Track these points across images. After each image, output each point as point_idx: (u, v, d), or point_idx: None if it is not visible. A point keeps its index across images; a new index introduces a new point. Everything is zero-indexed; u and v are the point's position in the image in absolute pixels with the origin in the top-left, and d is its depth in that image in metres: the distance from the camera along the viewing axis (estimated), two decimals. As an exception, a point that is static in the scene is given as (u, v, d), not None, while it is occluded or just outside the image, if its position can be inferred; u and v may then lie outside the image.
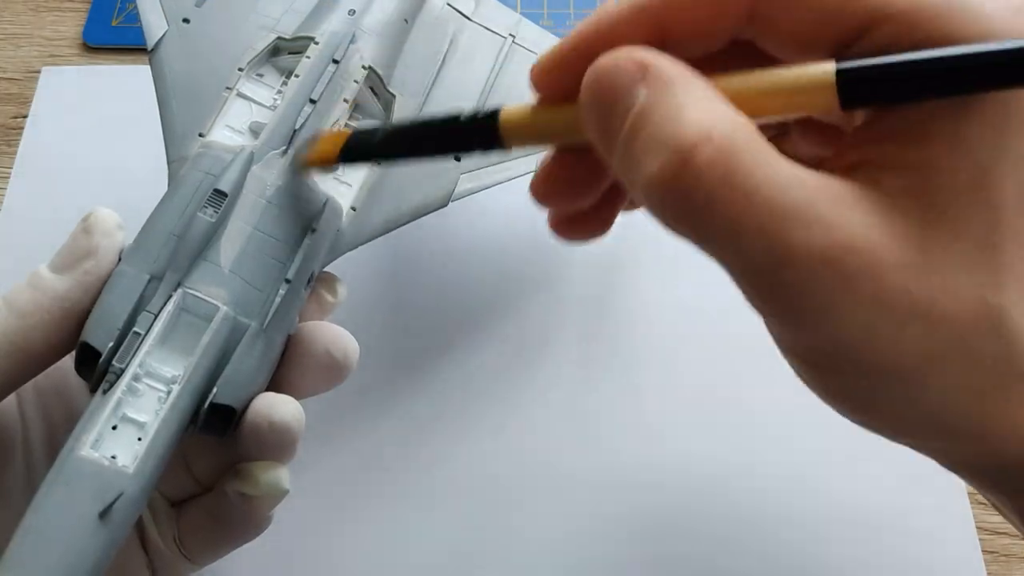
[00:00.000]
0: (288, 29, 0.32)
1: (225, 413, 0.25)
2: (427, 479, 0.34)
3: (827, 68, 0.18)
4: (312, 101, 0.30)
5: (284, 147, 0.29)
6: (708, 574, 0.33)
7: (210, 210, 0.26)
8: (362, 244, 0.30)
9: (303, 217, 0.28)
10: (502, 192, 0.33)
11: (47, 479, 0.23)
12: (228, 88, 0.30)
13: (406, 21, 0.34)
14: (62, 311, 0.25)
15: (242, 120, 0.30)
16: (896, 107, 0.18)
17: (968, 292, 0.17)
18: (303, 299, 0.28)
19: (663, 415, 0.35)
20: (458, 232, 0.39)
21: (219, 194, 0.27)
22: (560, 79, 0.20)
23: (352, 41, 0.31)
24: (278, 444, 0.25)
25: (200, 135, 0.29)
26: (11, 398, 0.27)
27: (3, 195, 0.40)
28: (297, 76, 0.30)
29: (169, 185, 0.28)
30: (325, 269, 0.30)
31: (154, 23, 0.32)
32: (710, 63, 0.19)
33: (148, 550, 0.27)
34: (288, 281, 0.27)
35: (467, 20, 0.35)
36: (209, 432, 0.25)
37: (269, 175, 0.28)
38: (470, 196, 0.32)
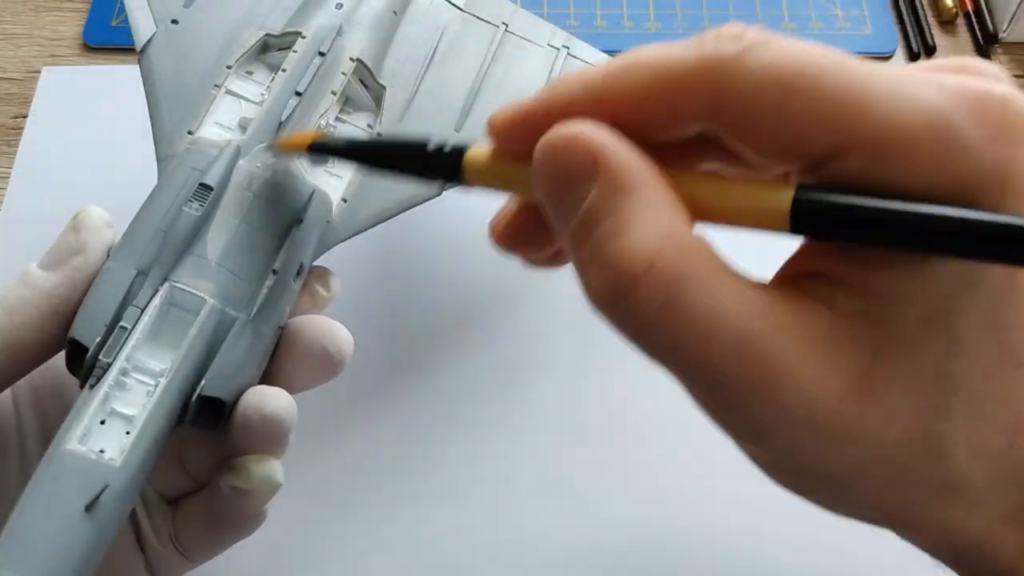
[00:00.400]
0: (277, 26, 0.32)
1: (215, 406, 0.25)
2: (423, 478, 0.34)
3: (784, 197, 0.17)
4: (298, 93, 0.30)
5: (271, 140, 0.29)
6: (708, 573, 0.33)
7: (196, 204, 0.26)
8: (354, 235, 0.30)
9: (290, 209, 0.28)
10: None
11: (35, 474, 0.23)
12: (217, 86, 0.30)
13: (395, 13, 0.34)
14: (51, 308, 0.25)
15: (231, 117, 0.30)
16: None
17: (906, 419, 0.17)
18: (293, 291, 0.28)
19: (663, 416, 0.35)
20: (455, 228, 0.39)
21: (205, 188, 0.27)
22: (516, 138, 0.19)
23: (339, 34, 0.31)
24: (270, 437, 0.25)
25: (189, 132, 0.29)
26: (6, 395, 0.27)
27: (3, 195, 0.40)
28: (284, 70, 0.30)
29: (158, 183, 0.28)
30: (319, 263, 0.30)
31: (143, 25, 0.32)
32: (681, 153, 0.18)
33: (144, 549, 0.27)
34: (275, 272, 0.27)
35: (459, 11, 0.35)
36: (200, 426, 0.25)
37: (256, 168, 0.28)
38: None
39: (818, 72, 0.16)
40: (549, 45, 0.37)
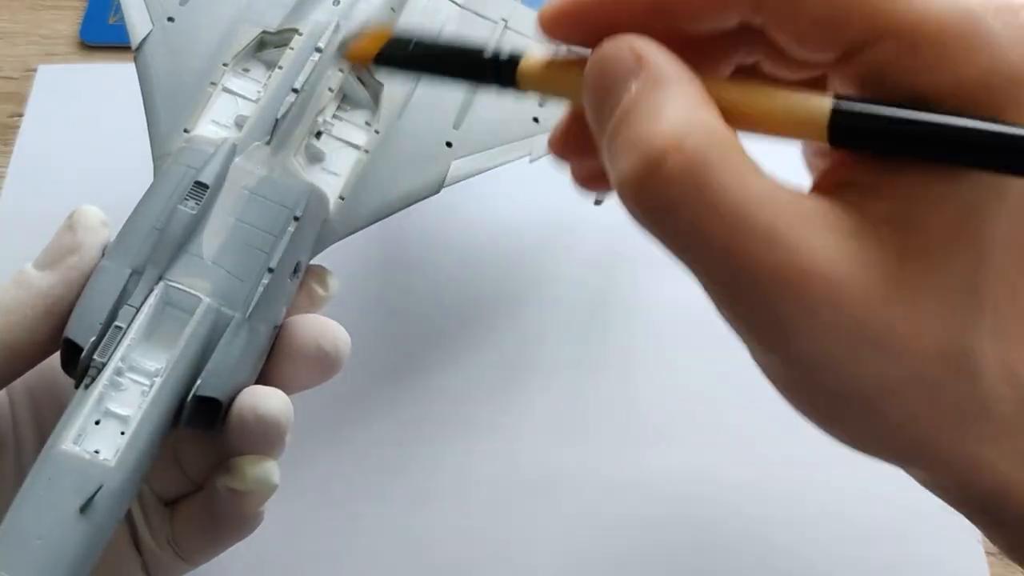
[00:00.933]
0: (273, 23, 0.32)
1: (211, 406, 0.25)
2: (421, 478, 0.34)
3: (823, 105, 0.17)
4: (295, 91, 0.29)
5: (267, 137, 0.29)
6: (721, 569, 0.33)
7: (191, 202, 0.26)
8: (352, 233, 0.30)
9: (286, 207, 0.28)
10: (499, 187, 0.33)
11: (30, 475, 0.23)
12: (213, 83, 0.30)
13: (393, 10, 0.33)
14: (45, 307, 0.25)
15: (228, 115, 0.30)
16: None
17: (935, 330, 0.17)
18: (290, 290, 0.28)
19: (662, 416, 0.35)
20: (453, 227, 0.39)
21: (200, 186, 0.27)
22: (563, 26, 0.20)
23: (336, 30, 0.31)
24: (266, 437, 0.25)
25: (185, 131, 0.29)
26: (1, 396, 0.26)
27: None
28: (281, 68, 0.30)
29: (153, 181, 0.28)
30: (316, 262, 0.29)
31: (138, 23, 0.32)
32: (723, 45, 0.19)
33: (142, 551, 0.27)
34: (271, 270, 0.27)
35: (458, 7, 0.35)
36: (196, 426, 0.25)
37: (252, 165, 0.28)
38: (466, 192, 0.32)
39: None
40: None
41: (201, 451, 0.27)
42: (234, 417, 0.25)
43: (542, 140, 0.35)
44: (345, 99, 0.32)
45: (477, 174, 0.32)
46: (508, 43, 0.34)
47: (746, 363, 0.37)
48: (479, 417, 0.35)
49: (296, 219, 0.28)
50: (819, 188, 0.18)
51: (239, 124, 0.29)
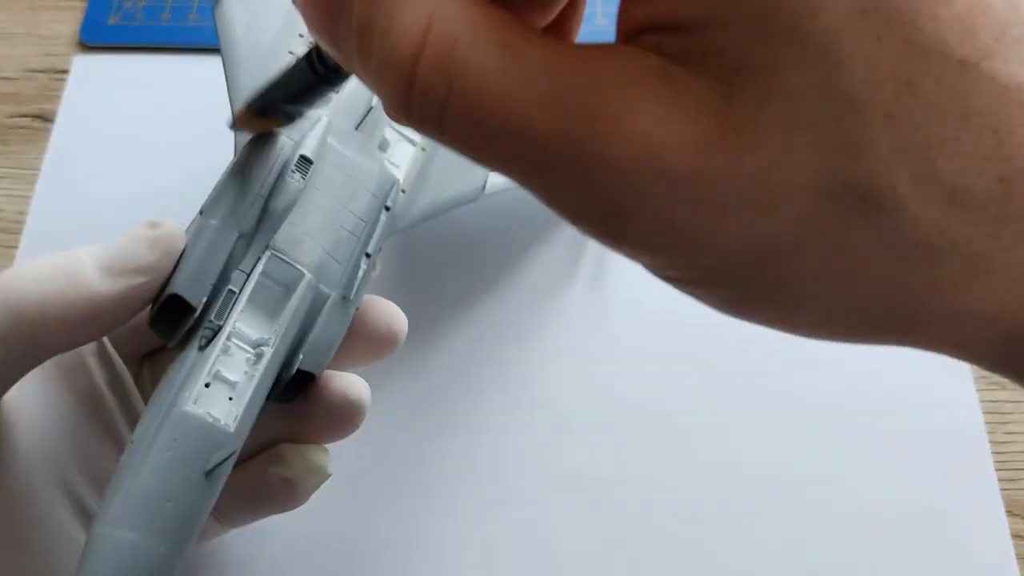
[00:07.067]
0: None
1: (305, 380, 0.25)
2: (421, 476, 0.34)
3: None
4: None
5: (357, 122, 0.29)
6: (727, 569, 0.33)
7: (297, 175, 0.26)
8: (403, 230, 0.30)
9: (377, 196, 0.28)
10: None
11: (145, 432, 0.22)
12: (291, 52, 0.30)
13: None
14: (92, 316, 0.23)
15: None
16: None
17: (810, 163, 0.13)
18: (372, 274, 0.28)
19: (672, 412, 0.35)
20: (457, 227, 0.39)
21: (305, 160, 0.26)
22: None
23: None
24: (351, 421, 0.26)
25: None
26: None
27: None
28: None
29: (236, 146, 0.27)
30: None
31: None
32: None
33: None
34: (368, 256, 0.27)
35: None
36: (281, 399, 0.25)
37: (344, 148, 0.28)
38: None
39: None
40: None
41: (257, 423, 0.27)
42: (325, 399, 0.25)
43: None
44: None
45: (511, 188, 0.32)
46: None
47: (769, 356, 0.37)
48: (482, 413, 0.35)
49: (387, 209, 0.28)
50: (620, 36, 0.15)
51: None
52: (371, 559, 0.33)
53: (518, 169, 0.14)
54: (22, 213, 0.39)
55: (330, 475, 0.27)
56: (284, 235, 0.25)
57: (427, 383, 0.36)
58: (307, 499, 0.27)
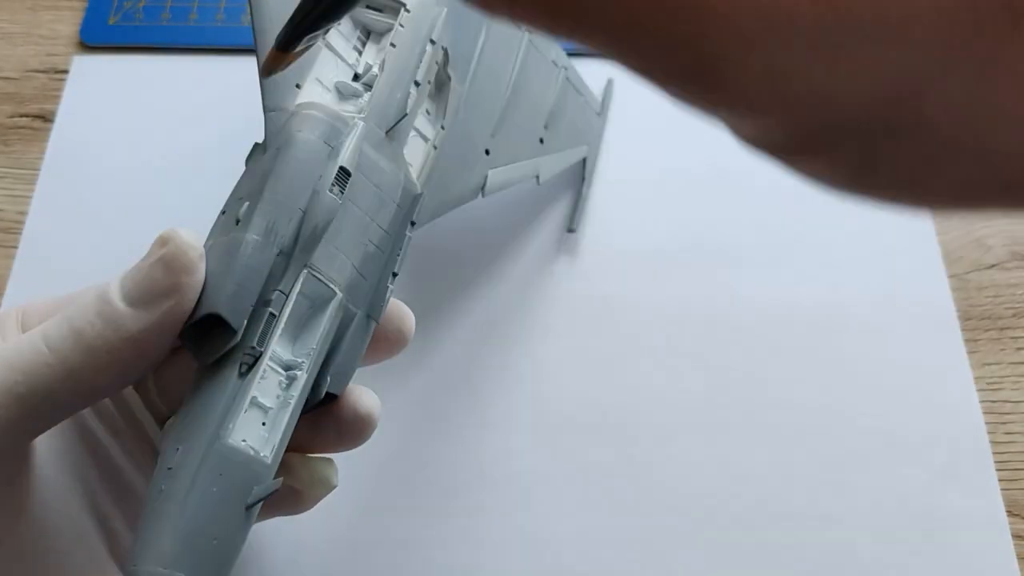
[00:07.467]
0: None
1: (326, 400, 0.25)
2: (421, 476, 0.34)
3: None
4: (416, 84, 0.28)
5: (388, 127, 0.27)
6: (727, 568, 0.33)
7: (336, 188, 0.25)
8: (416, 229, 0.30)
9: (403, 206, 0.27)
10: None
11: (185, 461, 0.21)
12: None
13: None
14: (137, 352, 0.22)
15: (328, 76, 0.28)
16: None
17: None
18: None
19: (674, 411, 0.35)
20: (459, 226, 0.39)
21: (344, 172, 0.25)
22: None
23: (446, 23, 0.30)
24: (361, 433, 0.26)
25: (296, 86, 0.28)
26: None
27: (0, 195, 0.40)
28: (393, 46, 0.29)
29: (268, 136, 0.26)
30: None
31: None
32: None
33: None
34: (395, 275, 0.26)
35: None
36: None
37: (379, 159, 0.27)
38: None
39: None
40: (553, 63, 0.37)
41: None
42: (335, 411, 0.25)
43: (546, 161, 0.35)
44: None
45: (513, 184, 0.32)
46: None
47: (769, 356, 0.37)
48: (481, 413, 0.35)
49: (412, 224, 0.27)
50: None
51: (339, 90, 0.28)
52: (371, 559, 0.33)
53: (602, 30, 0.13)
54: (22, 213, 0.39)
55: (335, 487, 0.26)
56: (320, 251, 0.24)
57: (427, 383, 0.36)
58: (311, 508, 0.27)
